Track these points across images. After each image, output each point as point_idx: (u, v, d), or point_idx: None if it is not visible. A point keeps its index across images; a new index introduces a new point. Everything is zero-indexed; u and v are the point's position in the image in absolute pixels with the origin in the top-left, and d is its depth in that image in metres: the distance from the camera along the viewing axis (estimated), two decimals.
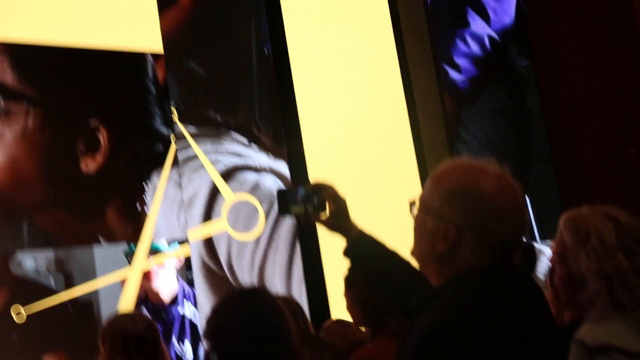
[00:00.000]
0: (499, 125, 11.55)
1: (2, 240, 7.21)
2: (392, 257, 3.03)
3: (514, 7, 11.83)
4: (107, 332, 2.67)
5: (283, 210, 2.79)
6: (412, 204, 2.47)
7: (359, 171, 9.53)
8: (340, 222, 3.01)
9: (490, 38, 11.46)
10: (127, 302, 7.51)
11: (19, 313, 6.94)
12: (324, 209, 2.95)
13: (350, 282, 4.15)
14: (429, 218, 2.34)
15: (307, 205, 2.90)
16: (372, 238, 3.04)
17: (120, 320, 2.75)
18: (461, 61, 11.22)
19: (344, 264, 3.22)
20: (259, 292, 2.74)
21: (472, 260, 2.24)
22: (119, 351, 2.63)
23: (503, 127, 11.58)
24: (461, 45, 11.27)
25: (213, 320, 2.64)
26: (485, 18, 11.49)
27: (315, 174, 9.02)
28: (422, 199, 2.40)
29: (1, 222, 7.22)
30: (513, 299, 2.18)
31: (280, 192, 2.91)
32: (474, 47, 11.32)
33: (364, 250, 2.97)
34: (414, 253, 2.42)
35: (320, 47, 9.63)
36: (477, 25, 11.47)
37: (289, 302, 4.17)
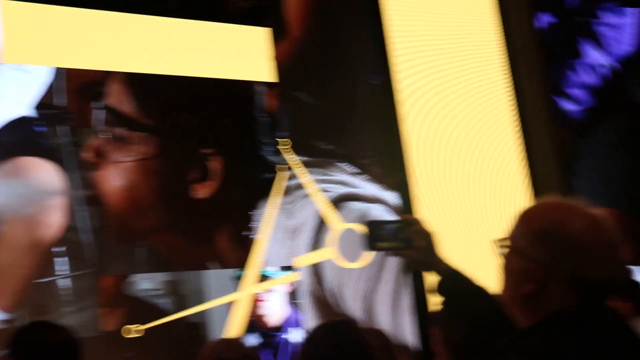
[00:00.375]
0: (618, 158, 11.15)
1: (119, 262, 7.49)
2: (483, 294, 2.97)
3: (633, 35, 11.47)
4: (203, 357, 2.71)
5: (371, 245, 2.79)
6: (499, 243, 2.42)
7: (469, 204, 9.39)
8: (427, 258, 2.98)
9: (607, 67, 11.14)
10: (235, 326, 7.63)
11: (131, 333, 7.17)
12: (411, 244, 2.92)
13: (440, 319, 4.07)
14: (516, 258, 2.29)
15: (396, 241, 2.88)
16: (463, 274, 2.99)
17: (217, 347, 2.78)
18: (576, 92, 10.94)
19: (437, 300, 3.17)
20: (347, 325, 2.75)
21: (560, 303, 2.17)
22: None
23: (622, 161, 11.16)
24: (576, 76, 11.00)
25: (303, 352, 2.67)
26: (602, 47, 11.19)
27: (424, 204, 8.95)
28: (510, 238, 2.36)
29: (118, 245, 7.52)
30: (603, 344, 2.09)
31: (370, 225, 2.90)
32: (590, 77, 11.03)
33: (456, 287, 2.92)
34: (501, 294, 2.38)
35: (430, 78, 9.62)
36: (593, 55, 11.18)
37: (380, 335, 4.15)
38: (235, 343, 2.83)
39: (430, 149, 9.38)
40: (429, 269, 2.94)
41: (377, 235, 2.87)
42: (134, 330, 7.17)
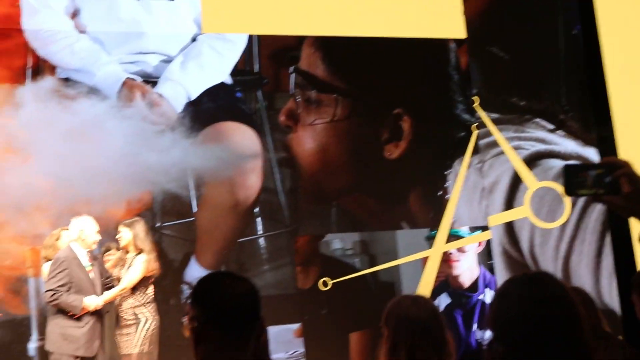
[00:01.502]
0: None
1: (314, 223, 7.74)
2: None
3: None
4: (390, 315, 2.69)
5: (570, 190, 2.51)
6: None
7: None
8: (636, 205, 2.68)
9: None
10: (426, 284, 7.66)
11: (327, 285, 7.43)
12: (618, 190, 2.62)
13: None
14: None
15: (598, 186, 2.61)
16: None
17: (404, 303, 2.74)
18: None
19: None
20: (546, 278, 2.48)
21: None
22: (403, 335, 2.63)
23: None
24: None
25: (495, 307, 2.49)
26: None
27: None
28: None
29: (313, 206, 7.77)
30: None
31: (567, 170, 2.59)
32: None
33: None
34: None
35: (634, 26, 8.96)
36: None
37: (580, 292, 3.91)
38: (420, 300, 2.78)
39: (635, 101, 8.78)
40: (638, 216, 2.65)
41: (576, 181, 2.59)
42: (329, 283, 7.42)
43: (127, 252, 5.96)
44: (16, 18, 7.05)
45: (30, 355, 6.42)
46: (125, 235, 5.96)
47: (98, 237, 5.72)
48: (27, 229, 6.30)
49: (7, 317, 6.28)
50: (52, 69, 7.13)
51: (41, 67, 7.13)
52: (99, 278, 5.58)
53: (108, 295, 5.61)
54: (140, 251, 5.91)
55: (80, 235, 5.58)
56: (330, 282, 7.44)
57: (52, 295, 5.32)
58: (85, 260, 5.53)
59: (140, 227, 6.04)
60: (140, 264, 5.77)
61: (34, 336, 6.38)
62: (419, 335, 2.63)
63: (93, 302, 5.39)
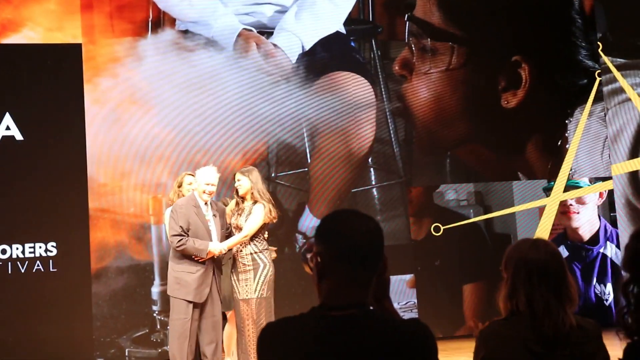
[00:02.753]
0: None
1: (427, 173, 7.69)
2: None
3: None
4: (510, 258, 2.65)
5: None
6: None
7: None
8: None
9: None
10: (542, 233, 7.49)
11: (439, 231, 7.41)
12: None
13: None
14: None
15: None
16: None
17: (523, 247, 2.69)
18: None
19: None
20: None
21: None
22: (522, 278, 2.60)
23: None
24: None
25: (631, 249, 2.40)
26: None
27: None
28: None
29: (427, 156, 7.70)
30: None
31: None
32: None
33: None
34: None
35: None
36: None
37: None
38: (540, 242, 2.72)
39: None
40: None
41: None
42: (441, 229, 7.39)
43: (244, 200, 6.06)
44: None
45: (153, 299, 6.75)
46: (244, 183, 6.02)
47: (206, 188, 5.73)
48: (149, 178, 6.56)
49: (132, 262, 6.61)
50: (172, 21, 7.31)
51: (162, 20, 7.32)
52: (219, 228, 5.71)
53: (231, 241, 5.77)
54: (257, 199, 6.00)
55: (198, 186, 5.73)
56: (442, 228, 7.41)
57: (179, 241, 5.52)
58: (204, 209, 5.69)
59: (257, 175, 6.14)
60: (260, 212, 5.86)
61: (157, 281, 6.68)
62: (538, 278, 2.58)
63: (217, 247, 5.55)
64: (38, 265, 6.45)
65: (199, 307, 5.55)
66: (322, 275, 1.99)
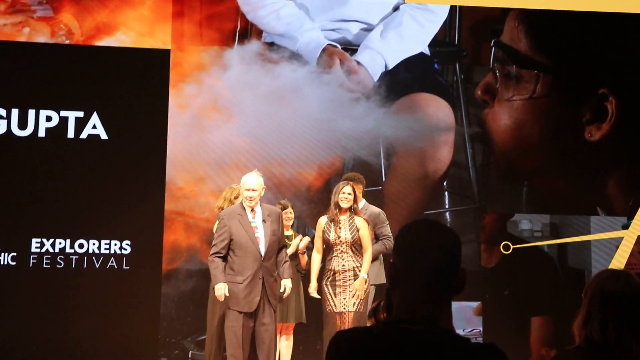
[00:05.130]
0: None
1: (503, 201, 7.58)
2: None
3: None
4: (590, 286, 2.65)
5: None
6: None
7: None
8: None
9: None
10: (616, 265, 7.28)
11: (508, 249, 7.29)
12: None
13: None
14: None
15: None
16: None
17: (603, 275, 2.68)
18: None
19: None
20: None
21: None
22: (597, 307, 2.58)
23: None
24: None
25: None
26: None
27: None
28: None
29: (503, 184, 7.60)
30: None
31: None
32: None
33: None
34: None
35: None
36: None
37: None
38: (622, 274, 2.68)
39: None
40: None
41: None
42: (511, 248, 7.28)
43: (339, 211, 5.90)
44: None
45: None
46: (349, 190, 5.92)
47: (249, 194, 5.64)
48: (225, 185, 6.65)
49: (202, 266, 6.71)
50: (258, 33, 7.44)
51: (249, 31, 7.46)
52: (268, 234, 5.66)
53: (365, 267, 5.83)
54: (352, 213, 5.94)
55: (240, 192, 5.71)
56: (511, 247, 7.29)
57: (210, 256, 5.59)
58: (251, 216, 5.67)
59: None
60: (366, 227, 5.84)
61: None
62: (612, 308, 2.55)
63: (219, 292, 5.48)
64: (112, 262, 6.62)
65: (252, 315, 5.58)
66: (395, 286, 1.95)
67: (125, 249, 6.65)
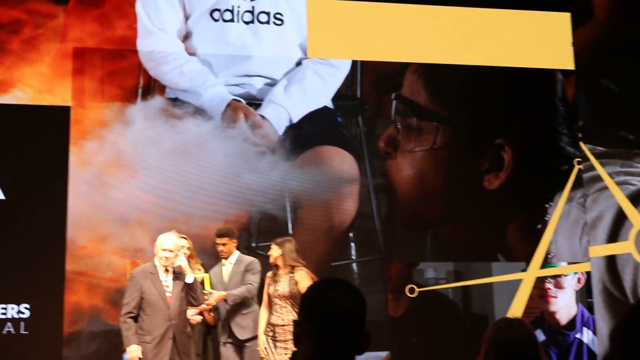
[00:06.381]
0: None
1: (409, 250, 7.70)
2: None
3: None
4: (486, 335, 2.71)
5: None
6: None
7: None
8: None
9: None
10: (516, 309, 7.48)
11: (413, 292, 7.41)
12: None
13: None
14: None
15: None
16: None
17: (498, 324, 2.75)
18: None
19: None
20: None
21: None
22: (492, 356, 2.63)
23: None
24: None
25: (616, 339, 2.31)
26: None
27: None
28: None
29: (408, 234, 7.74)
30: None
31: None
32: None
33: None
34: None
35: None
36: None
37: None
38: (514, 323, 2.74)
39: None
40: None
41: None
42: (416, 291, 7.41)
43: (278, 267, 6.13)
44: (132, 40, 7.38)
45: None
46: (273, 252, 6.15)
47: (165, 254, 5.69)
48: (129, 243, 6.55)
49: (105, 327, 6.54)
50: (162, 88, 7.41)
51: (152, 87, 7.42)
52: (178, 295, 5.62)
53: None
54: (292, 267, 6.09)
55: (155, 252, 5.69)
56: (417, 290, 7.41)
57: (121, 317, 5.50)
58: (163, 276, 5.63)
59: (291, 245, 6.23)
60: (307, 279, 5.92)
61: None
62: (505, 356, 2.61)
63: (131, 354, 5.37)
64: (9, 327, 6.37)
65: None
66: (298, 344, 1.99)
67: (24, 313, 6.41)
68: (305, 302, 2.02)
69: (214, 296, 6.14)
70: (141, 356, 5.43)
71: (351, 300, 1.98)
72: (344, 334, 1.95)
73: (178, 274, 5.72)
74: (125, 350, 5.51)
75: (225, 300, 6.17)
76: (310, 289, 2.05)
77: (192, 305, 5.81)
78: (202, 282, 6.19)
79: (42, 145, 6.77)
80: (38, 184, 6.69)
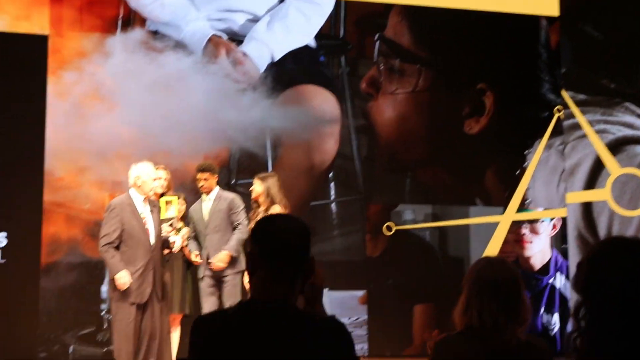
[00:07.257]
0: None
1: (388, 191, 7.72)
2: None
3: None
4: (468, 274, 2.73)
5: None
6: None
7: None
8: None
9: None
10: (491, 252, 7.55)
11: (391, 230, 7.47)
12: None
13: None
14: None
15: None
16: None
17: (480, 264, 2.77)
18: None
19: None
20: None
21: None
22: (474, 295, 2.66)
23: None
24: None
25: (580, 276, 2.33)
26: None
27: None
28: None
29: (388, 175, 7.74)
30: None
31: None
32: None
33: None
34: None
35: None
36: None
37: None
38: (496, 262, 2.76)
39: None
40: None
41: None
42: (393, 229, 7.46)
43: (259, 205, 6.09)
44: None
45: (103, 298, 6.66)
46: (257, 188, 6.09)
47: (155, 184, 5.73)
48: (108, 175, 6.48)
49: (83, 259, 6.51)
50: (142, 21, 7.26)
51: (132, 19, 7.27)
52: (155, 226, 5.63)
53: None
54: (271, 204, 6.03)
55: (135, 182, 5.64)
56: (394, 227, 7.45)
57: (102, 247, 5.45)
58: (141, 207, 5.60)
59: (274, 181, 6.17)
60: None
61: (107, 279, 6.59)
62: (488, 297, 2.64)
63: (121, 280, 5.39)
64: None
65: (142, 307, 5.49)
66: (252, 272, 2.16)
67: (1, 241, 6.36)
68: (254, 229, 2.21)
69: (219, 257, 6.08)
70: (131, 281, 5.43)
71: (295, 226, 2.16)
72: (288, 258, 2.12)
73: (154, 205, 5.72)
74: (112, 279, 5.48)
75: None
76: (260, 221, 2.24)
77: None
78: (170, 203, 6.11)
79: (20, 74, 6.63)
80: (16, 114, 6.57)
